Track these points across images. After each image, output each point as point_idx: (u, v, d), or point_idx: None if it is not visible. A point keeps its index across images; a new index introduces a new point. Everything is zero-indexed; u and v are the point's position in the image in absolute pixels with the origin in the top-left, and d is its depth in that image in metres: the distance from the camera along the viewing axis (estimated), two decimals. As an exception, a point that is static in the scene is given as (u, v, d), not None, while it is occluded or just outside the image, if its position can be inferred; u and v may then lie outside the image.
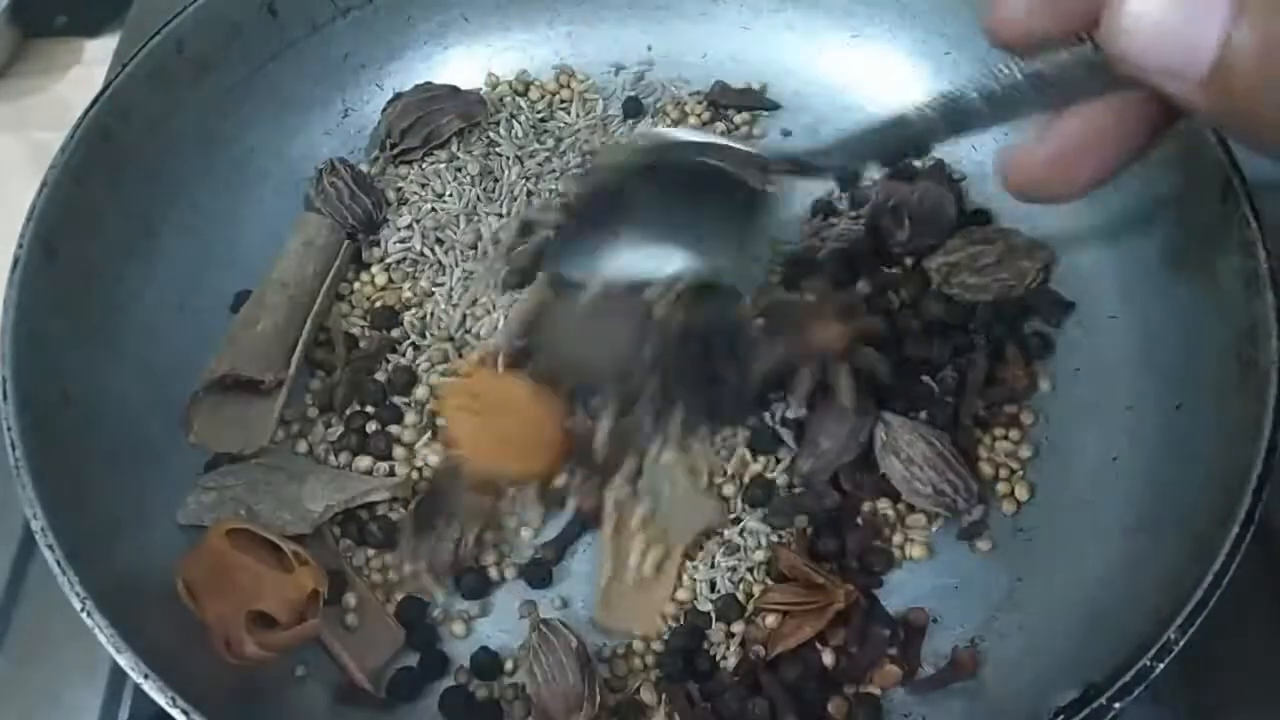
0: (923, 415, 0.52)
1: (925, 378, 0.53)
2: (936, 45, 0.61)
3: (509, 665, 0.49)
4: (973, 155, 0.59)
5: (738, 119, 0.63)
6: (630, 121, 0.63)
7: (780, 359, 0.50)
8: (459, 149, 0.61)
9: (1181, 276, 0.51)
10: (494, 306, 0.56)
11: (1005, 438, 0.53)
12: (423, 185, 0.61)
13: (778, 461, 0.52)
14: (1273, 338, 0.45)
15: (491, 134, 0.62)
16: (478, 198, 0.60)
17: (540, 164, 0.61)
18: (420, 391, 0.55)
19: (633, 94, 0.63)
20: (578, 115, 0.63)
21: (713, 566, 0.50)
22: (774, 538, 0.51)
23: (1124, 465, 0.51)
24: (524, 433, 0.44)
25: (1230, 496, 0.42)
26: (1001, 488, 0.52)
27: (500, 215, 0.59)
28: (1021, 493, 0.52)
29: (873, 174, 0.59)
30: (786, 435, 0.52)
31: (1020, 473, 0.52)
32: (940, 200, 0.56)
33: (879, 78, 0.62)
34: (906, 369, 0.53)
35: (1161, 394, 0.51)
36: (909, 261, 0.56)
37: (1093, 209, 0.55)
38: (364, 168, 0.61)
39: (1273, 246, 0.47)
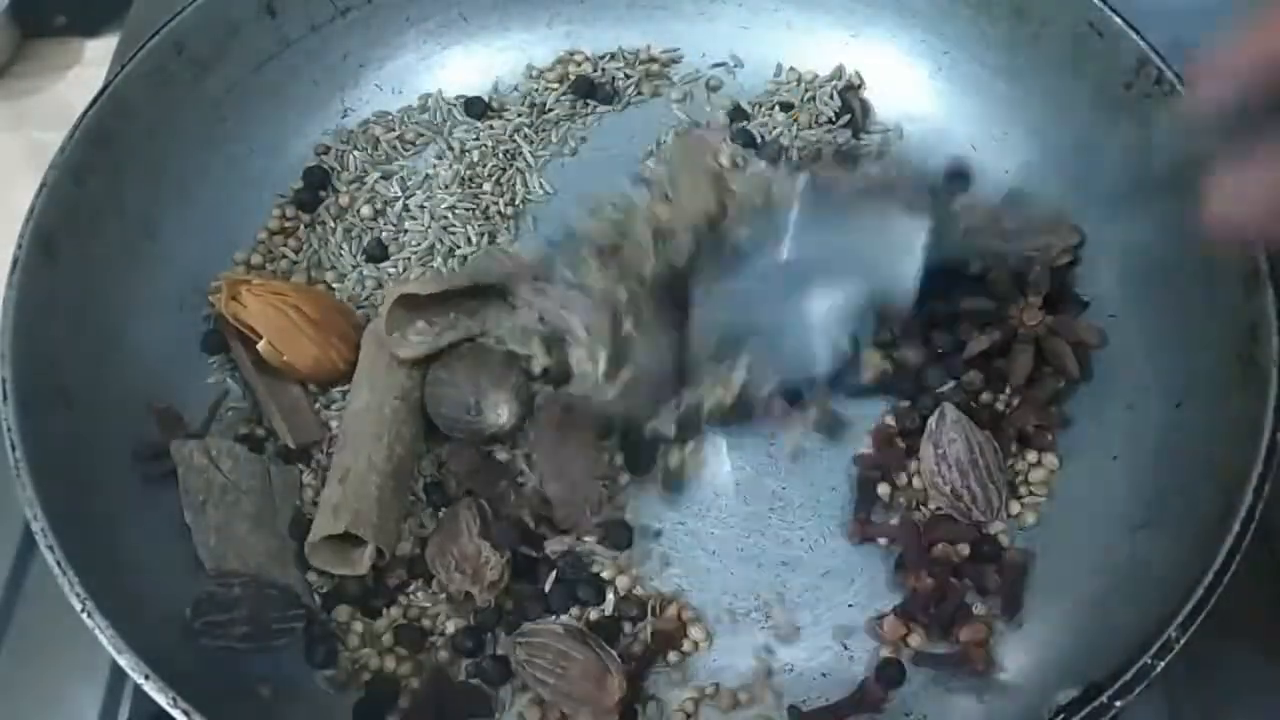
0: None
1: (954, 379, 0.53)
2: (935, 45, 0.61)
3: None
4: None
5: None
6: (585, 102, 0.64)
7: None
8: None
9: (1181, 276, 0.51)
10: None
11: (1035, 450, 0.52)
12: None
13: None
14: (1273, 336, 0.45)
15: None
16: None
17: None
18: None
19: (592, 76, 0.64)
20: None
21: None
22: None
23: (1124, 465, 0.51)
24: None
25: (1230, 496, 0.42)
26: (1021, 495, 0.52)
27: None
28: (1032, 513, 0.51)
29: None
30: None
31: (1046, 488, 0.52)
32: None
33: (878, 77, 0.63)
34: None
35: (1161, 393, 0.51)
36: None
37: (1092, 208, 0.55)
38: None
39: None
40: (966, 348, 0.53)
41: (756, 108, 0.63)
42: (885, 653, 0.48)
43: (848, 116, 0.62)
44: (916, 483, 0.52)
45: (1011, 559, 0.49)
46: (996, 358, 0.53)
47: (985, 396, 0.53)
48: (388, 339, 0.52)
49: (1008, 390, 0.53)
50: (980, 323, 0.53)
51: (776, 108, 0.62)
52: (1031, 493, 0.51)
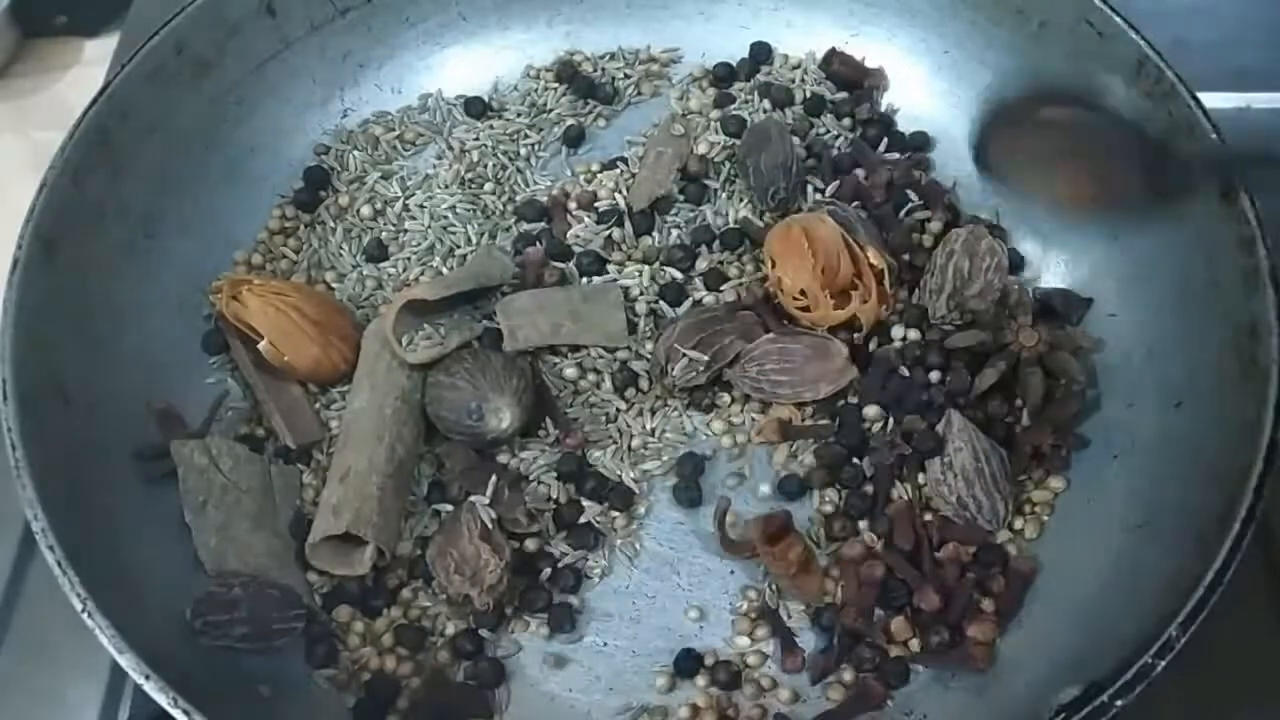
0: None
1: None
2: (935, 44, 0.61)
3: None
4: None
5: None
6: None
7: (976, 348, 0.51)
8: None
9: (1181, 275, 0.51)
10: None
11: (1045, 470, 0.52)
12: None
13: None
14: (1273, 335, 0.45)
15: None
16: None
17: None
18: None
19: (603, 80, 0.64)
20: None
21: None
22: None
23: (1124, 464, 0.51)
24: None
25: (1230, 495, 0.42)
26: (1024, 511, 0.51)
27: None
28: (1034, 527, 0.51)
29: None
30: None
31: (1049, 508, 0.51)
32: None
33: (878, 77, 0.63)
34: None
35: (1161, 392, 0.51)
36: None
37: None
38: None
39: (1272, 244, 0.47)
40: (974, 385, 0.51)
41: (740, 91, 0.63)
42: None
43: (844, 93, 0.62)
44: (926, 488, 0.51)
45: (1017, 568, 0.49)
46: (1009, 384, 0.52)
47: (996, 410, 0.52)
48: (397, 346, 0.52)
49: (1023, 412, 0.52)
50: (975, 356, 0.52)
51: (756, 93, 0.62)
52: (1034, 512, 0.51)
